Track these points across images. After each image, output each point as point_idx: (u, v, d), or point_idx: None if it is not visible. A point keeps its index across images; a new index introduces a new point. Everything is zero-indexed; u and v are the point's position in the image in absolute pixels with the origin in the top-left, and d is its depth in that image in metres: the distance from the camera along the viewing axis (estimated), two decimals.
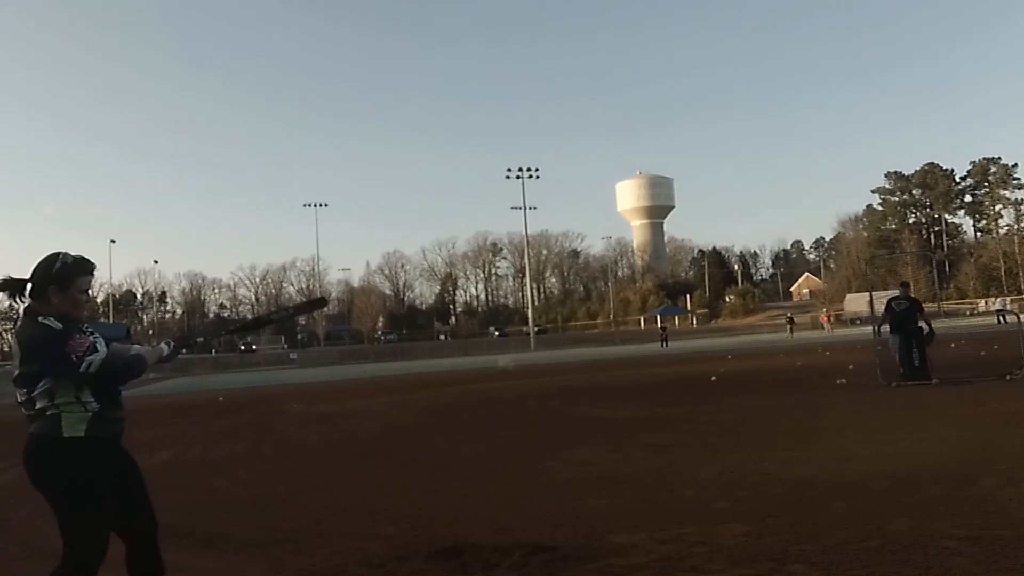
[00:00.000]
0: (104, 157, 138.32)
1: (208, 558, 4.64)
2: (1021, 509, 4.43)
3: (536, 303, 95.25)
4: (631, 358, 32.83)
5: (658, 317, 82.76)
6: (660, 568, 3.82)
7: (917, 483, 5.22)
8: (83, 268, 2.92)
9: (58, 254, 2.92)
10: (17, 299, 2.94)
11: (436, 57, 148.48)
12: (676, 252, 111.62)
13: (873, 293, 19.07)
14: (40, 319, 2.85)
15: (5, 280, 2.98)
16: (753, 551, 3.95)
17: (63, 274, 2.87)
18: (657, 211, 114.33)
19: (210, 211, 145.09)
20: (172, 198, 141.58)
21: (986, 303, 64.84)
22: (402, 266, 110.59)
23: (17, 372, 2.87)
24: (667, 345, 46.89)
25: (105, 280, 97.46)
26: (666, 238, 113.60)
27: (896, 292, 13.92)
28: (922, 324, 12.73)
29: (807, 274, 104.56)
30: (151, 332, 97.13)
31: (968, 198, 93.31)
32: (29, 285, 2.93)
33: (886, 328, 13.22)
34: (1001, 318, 42.62)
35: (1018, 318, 13.46)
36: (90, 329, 2.96)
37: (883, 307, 13.63)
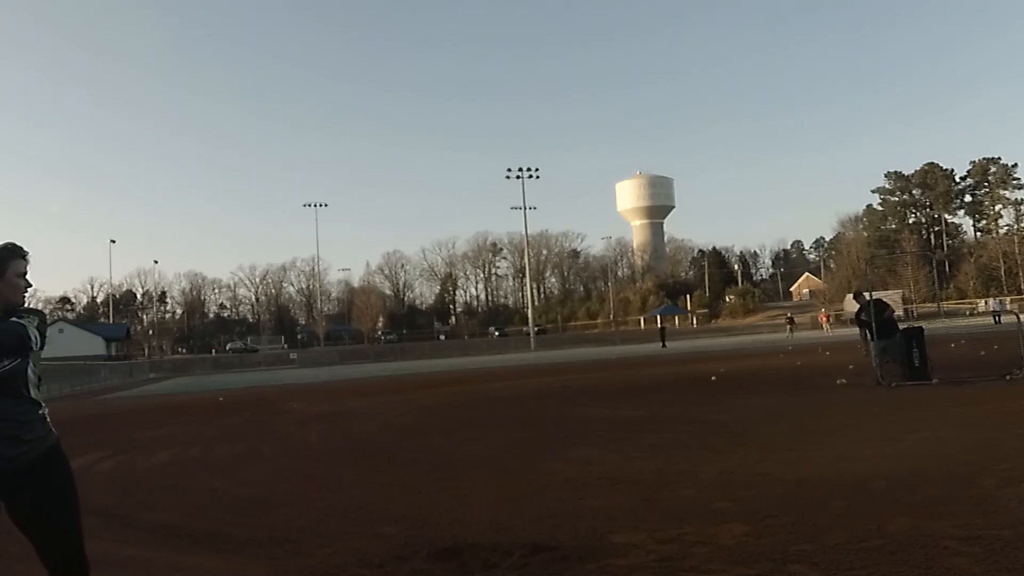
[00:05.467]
0: (104, 157, 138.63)
1: (208, 558, 4.63)
2: (1021, 509, 4.43)
3: (536, 303, 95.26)
4: (631, 358, 32.83)
5: (658, 317, 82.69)
6: (660, 568, 3.82)
7: (917, 483, 5.22)
8: (15, 252, 2.90)
9: None
10: None
11: (436, 57, 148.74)
12: (676, 252, 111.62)
13: (873, 293, 19.02)
14: None
15: None
16: (753, 551, 3.95)
17: None
18: (657, 211, 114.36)
19: (210, 211, 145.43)
20: (172, 198, 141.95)
21: (986, 303, 64.86)
22: (402, 266, 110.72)
23: None
24: (666, 345, 46.53)
25: (105, 280, 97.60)
26: (666, 238, 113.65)
27: (861, 301, 13.85)
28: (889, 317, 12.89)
29: (807, 274, 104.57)
30: (151, 332, 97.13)
31: (968, 198, 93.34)
32: None
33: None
34: (996, 318, 42.77)
35: (1018, 318, 13.45)
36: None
37: (857, 316, 13.56)
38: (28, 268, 2.93)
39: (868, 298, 13.67)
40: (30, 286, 2.93)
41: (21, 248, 2.93)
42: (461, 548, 4.33)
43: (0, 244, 2.91)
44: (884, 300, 14.44)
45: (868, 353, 12.81)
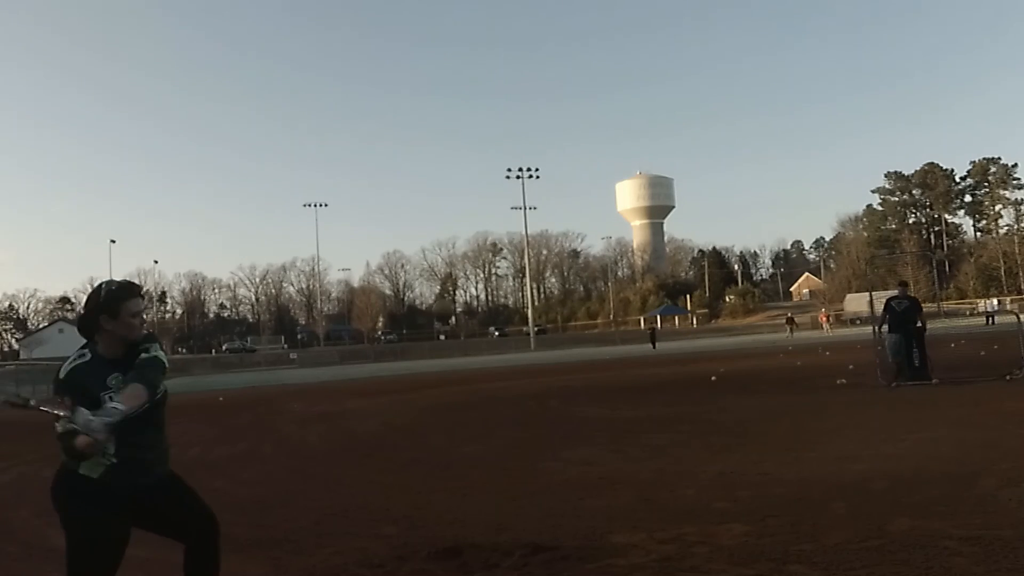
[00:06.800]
0: (104, 157, 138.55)
1: None
2: (1021, 509, 4.43)
3: (536, 303, 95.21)
4: (631, 358, 32.83)
5: (656, 317, 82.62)
6: (660, 568, 3.82)
7: (917, 483, 5.22)
8: (131, 292, 2.91)
9: (102, 283, 2.91)
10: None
11: (436, 57, 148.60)
12: (676, 252, 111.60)
13: (873, 293, 19.01)
14: (73, 356, 2.86)
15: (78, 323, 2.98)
16: (753, 551, 3.95)
17: (110, 299, 2.85)
18: (657, 211, 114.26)
19: (210, 211, 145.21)
20: (172, 198, 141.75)
21: (985, 303, 64.96)
22: (402, 266, 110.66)
23: None
24: (656, 347, 44.76)
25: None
26: (666, 238, 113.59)
27: (895, 292, 13.80)
28: (918, 322, 12.76)
29: (807, 274, 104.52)
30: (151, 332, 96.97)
31: (968, 198, 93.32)
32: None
33: (886, 328, 13.17)
34: (989, 320, 42.92)
35: (1017, 318, 13.44)
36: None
37: (882, 307, 13.55)
38: (144, 306, 2.97)
39: (908, 294, 13.82)
40: (145, 323, 2.95)
41: (137, 287, 2.95)
42: (461, 548, 4.33)
43: (117, 282, 2.93)
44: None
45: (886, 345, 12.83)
